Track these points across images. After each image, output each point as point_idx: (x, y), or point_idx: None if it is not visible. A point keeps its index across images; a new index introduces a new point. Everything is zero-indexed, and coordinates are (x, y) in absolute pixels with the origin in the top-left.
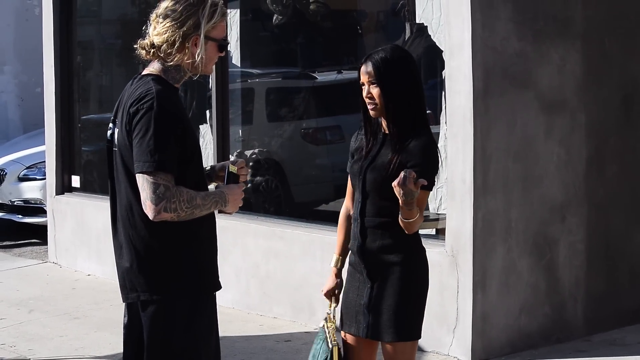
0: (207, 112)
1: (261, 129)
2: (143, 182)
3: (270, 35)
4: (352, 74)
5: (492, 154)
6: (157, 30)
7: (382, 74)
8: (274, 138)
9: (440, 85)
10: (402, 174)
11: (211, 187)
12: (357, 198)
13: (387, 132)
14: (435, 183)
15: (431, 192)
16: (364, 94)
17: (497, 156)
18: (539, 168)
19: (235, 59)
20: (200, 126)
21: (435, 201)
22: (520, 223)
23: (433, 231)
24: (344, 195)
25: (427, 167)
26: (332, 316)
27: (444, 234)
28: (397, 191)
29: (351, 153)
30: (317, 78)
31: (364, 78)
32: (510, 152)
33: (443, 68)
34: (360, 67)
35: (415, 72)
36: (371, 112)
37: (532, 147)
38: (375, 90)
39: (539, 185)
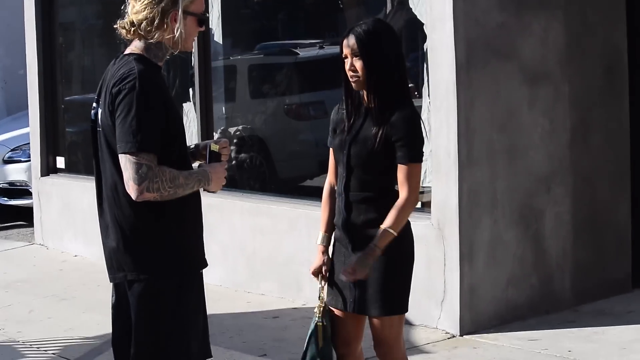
0: (190, 90)
1: (244, 106)
2: (126, 162)
3: (252, 11)
4: (334, 49)
5: (476, 126)
6: (136, 9)
7: (365, 46)
8: (258, 115)
9: (422, 58)
10: (342, 277)
11: (195, 165)
12: (340, 173)
13: (369, 105)
14: (423, 154)
15: (422, 163)
16: (347, 66)
17: (481, 128)
18: (523, 139)
19: (217, 36)
20: (184, 104)
21: (420, 174)
22: (505, 195)
23: (419, 204)
24: (326, 170)
25: (412, 140)
26: (320, 294)
27: (430, 207)
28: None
29: (332, 128)
30: (299, 54)
31: (346, 51)
32: (495, 123)
33: (425, 41)
34: (343, 40)
35: (398, 45)
36: (353, 85)
37: (516, 119)
38: (358, 63)
39: (523, 157)
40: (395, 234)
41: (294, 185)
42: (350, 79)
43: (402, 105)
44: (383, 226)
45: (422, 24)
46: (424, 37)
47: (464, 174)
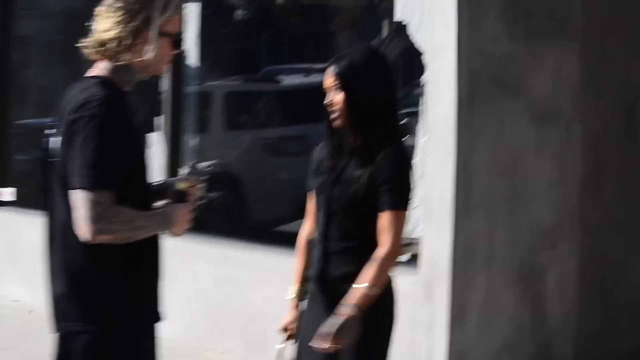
0: (158, 118)
1: (218, 138)
2: (79, 199)
3: (233, 32)
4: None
5: (475, 170)
6: (104, 26)
7: (346, 78)
8: (232, 149)
9: (419, 90)
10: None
11: (161, 204)
12: (319, 218)
13: (353, 144)
14: (410, 201)
15: (407, 211)
16: (326, 100)
17: (482, 172)
18: (528, 187)
19: (192, 59)
20: (150, 134)
21: (410, 223)
22: (504, 249)
23: (405, 257)
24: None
25: (397, 183)
26: (281, 354)
27: (418, 261)
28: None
29: (314, 168)
30: (281, 81)
31: (327, 82)
32: (497, 168)
33: (424, 72)
34: (325, 69)
35: (388, 77)
36: (334, 122)
37: (521, 163)
38: (338, 97)
39: (527, 207)
40: (372, 292)
41: (268, 230)
42: (331, 115)
43: (390, 145)
44: (357, 284)
45: (422, 53)
46: (423, 67)
47: (460, 223)
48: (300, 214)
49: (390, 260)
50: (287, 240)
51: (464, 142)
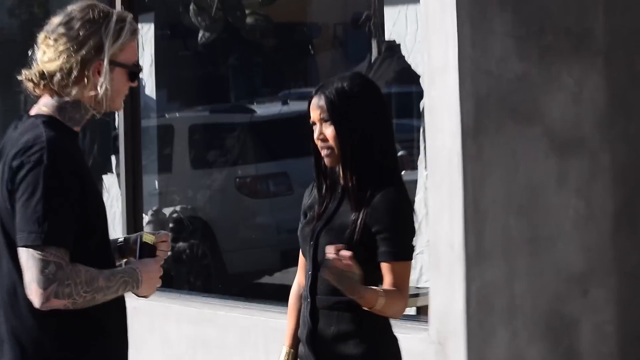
0: (113, 158)
1: (184, 179)
2: (28, 258)
3: (195, 56)
4: (301, 105)
5: (488, 210)
6: (48, 56)
7: (338, 109)
8: (201, 190)
9: (417, 120)
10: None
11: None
12: (307, 270)
13: (346, 185)
14: (414, 248)
15: (411, 261)
16: (316, 135)
17: (495, 212)
18: (550, 226)
19: (149, 88)
20: (104, 177)
21: (414, 271)
22: (527, 299)
23: (413, 310)
24: (293, 265)
25: (398, 232)
26: None
27: (427, 315)
28: (329, 279)
29: (303, 212)
30: (256, 111)
31: (314, 115)
32: (512, 205)
33: (421, 98)
34: (311, 100)
35: (382, 106)
36: (326, 160)
37: (540, 199)
38: (329, 131)
39: (551, 249)
40: (379, 302)
41: (249, 284)
42: (321, 152)
43: (388, 184)
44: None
45: (418, 77)
46: (419, 94)
47: (473, 271)
48: (283, 264)
49: (400, 310)
50: (273, 295)
51: (472, 178)
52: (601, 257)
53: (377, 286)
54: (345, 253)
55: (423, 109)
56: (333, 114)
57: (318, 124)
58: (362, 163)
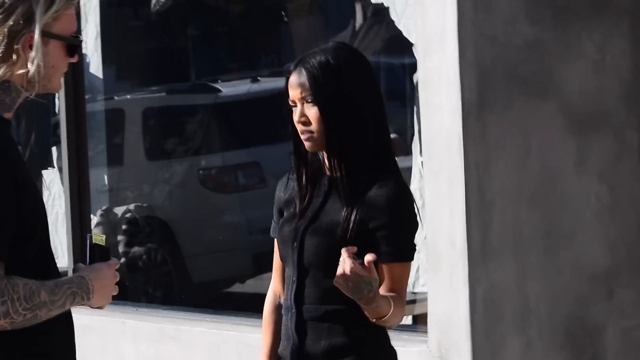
0: (54, 149)
1: (138, 173)
2: None
3: (148, 27)
4: (275, 83)
5: (494, 199)
6: None
7: (322, 86)
8: (158, 185)
9: (410, 97)
10: (341, 260)
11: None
12: (289, 277)
13: (333, 174)
14: (416, 247)
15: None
16: (296, 117)
17: (503, 202)
18: (568, 218)
19: (95, 65)
20: (44, 172)
21: (410, 274)
22: (543, 303)
23: (409, 319)
24: (267, 270)
25: (402, 228)
26: None
27: (426, 324)
28: (342, 287)
29: (278, 209)
30: (221, 90)
31: (294, 94)
32: (524, 194)
33: (415, 71)
34: (289, 77)
35: (372, 82)
36: (306, 145)
37: (557, 186)
38: (312, 112)
39: (569, 244)
40: (385, 310)
41: (217, 293)
42: (301, 135)
43: (384, 174)
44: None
45: (411, 46)
46: (413, 66)
47: (478, 272)
48: (256, 270)
49: (401, 314)
50: (245, 306)
51: (475, 163)
52: (629, 253)
53: None
54: (369, 257)
55: (417, 83)
56: (317, 93)
57: (299, 105)
58: (352, 148)
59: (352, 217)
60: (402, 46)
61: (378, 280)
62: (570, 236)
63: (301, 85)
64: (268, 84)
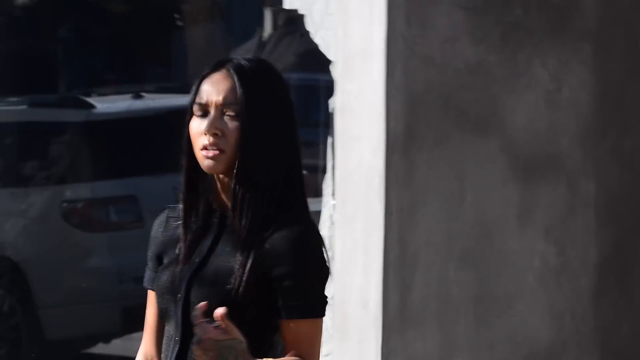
0: None
1: None
2: None
3: (10, 25)
4: (163, 100)
5: (419, 254)
6: None
7: (254, 98)
8: (11, 219)
9: (324, 124)
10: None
11: None
12: (170, 336)
13: (227, 209)
14: (327, 300)
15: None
16: (204, 127)
17: (429, 258)
18: (506, 281)
19: None
20: None
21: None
22: None
23: None
24: (139, 328)
25: (307, 276)
26: None
27: None
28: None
29: (155, 254)
30: (95, 106)
31: (211, 99)
32: (454, 250)
33: (331, 94)
34: (206, 76)
35: (291, 107)
36: (208, 164)
37: (493, 243)
38: (231, 125)
39: (505, 313)
40: None
41: (75, 354)
42: (203, 153)
43: (290, 212)
44: None
45: (329, 63)
46: (329, 88)
47: (394, 342)
48: (129, 326)
49: None
50: None
51: (399, 209)
52: (577, 327)
53: (275, 358)
54: (219, 312)
55: (334, 109)
56: (247, 104)
57: (213, 112)
58: (263, 178)
59: (248, 264)
60: (317, 63)
61: (244, 341)
62: (508, 303)
63: (226, 90)
64: (153, 101)
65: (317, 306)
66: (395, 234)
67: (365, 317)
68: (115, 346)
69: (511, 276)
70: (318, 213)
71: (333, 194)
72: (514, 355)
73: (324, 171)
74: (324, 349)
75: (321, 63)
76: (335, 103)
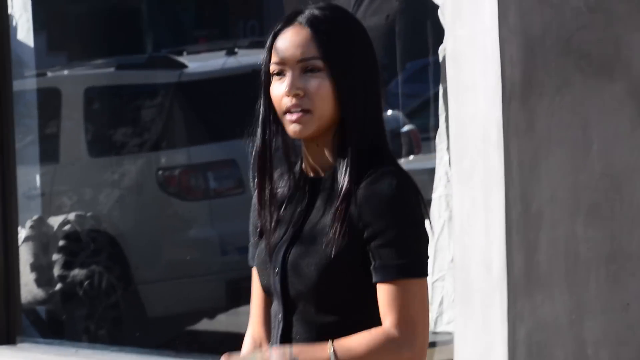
0: None
1: (78, 172)
2: None
3: None
4: (257, 56)
5: (543, 211)
6: None
7: (332, 46)
8: (105, 189)
9: (435, 75)
10: None
11: None
12: (275, 314)
13: (319, 173)
14: (428, 260)
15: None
16: (285, 88)
17: (555, 214)
18: (639, 236)
19: (24, 31)
20: None
21: (430, 308)
22: (604, 347)
23: None
24: (246, 302)
25: (404, 234)
26: None
27: None
28: None
29: (255, 227)
30: (187, 66)
31: (287, 56)
32: (581, 206)
33: (441, 41)
34: (279, 31)
35: (373, 53)
36: (294, 128)
37: (624, 195)
38: (313, 82)
39: None
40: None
41: (179, 331)
42: (287, 117)
43: (380, 166)
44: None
45: (436, 8)
46: (438, 34)
47: (520, 306)
48: (235, 300)
49: (393, 353)
50: (214, 349)
51: (520, 163)
52: None
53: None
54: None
55: (444, 57)
56: (328, 55)
57: (290, 72)
58: (356, 135)
59: (343, 219)
60: (422, 9)
61: (255, 355)
62: None
63: (303, 44)
64: (248, 57)
65: (412, 264)
66: (517, 190)
67: (488, 280)
68: (221, 322)
69: None
70: (432, 170)
71: (448, 149)
72: None
73: (436, 125)
74: (444, 317)
75: (427, 8)
76: (446, 51)
